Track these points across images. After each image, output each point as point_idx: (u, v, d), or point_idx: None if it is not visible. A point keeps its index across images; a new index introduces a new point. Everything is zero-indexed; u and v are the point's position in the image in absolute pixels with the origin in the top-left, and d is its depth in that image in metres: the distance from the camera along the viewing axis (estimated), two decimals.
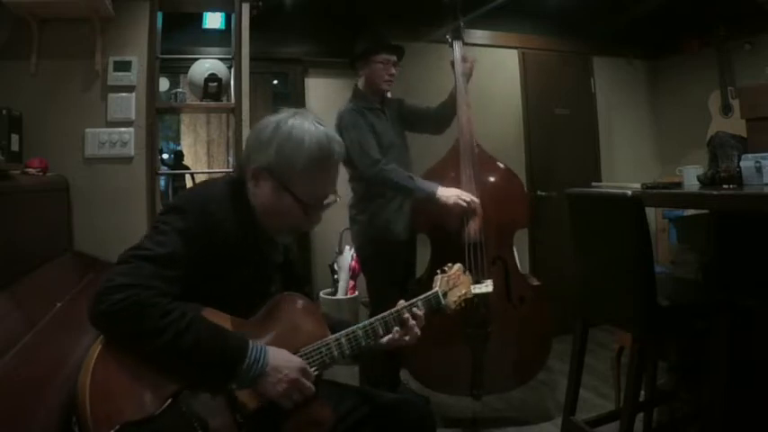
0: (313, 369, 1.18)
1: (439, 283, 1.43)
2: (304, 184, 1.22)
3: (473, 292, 2.18)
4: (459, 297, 1.45)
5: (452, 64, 2.56)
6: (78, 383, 1.03)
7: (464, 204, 2.30)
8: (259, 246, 1.27)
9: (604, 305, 1.92)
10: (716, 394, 1.84)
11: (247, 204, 1.25)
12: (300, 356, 1.18)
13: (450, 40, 2.59)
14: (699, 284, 2.23)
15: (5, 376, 1.18)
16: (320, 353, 1.22)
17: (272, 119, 1.25)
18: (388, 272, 2.48)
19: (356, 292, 3.21)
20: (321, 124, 1.26)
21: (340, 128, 2.45)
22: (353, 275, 3.21)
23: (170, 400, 1.04)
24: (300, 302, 1.28)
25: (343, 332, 1.26)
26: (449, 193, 2.31)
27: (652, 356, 2.13)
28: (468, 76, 2.55)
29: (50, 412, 1.08)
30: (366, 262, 2.59)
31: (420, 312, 1.34)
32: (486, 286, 2.29)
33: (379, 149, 2.39)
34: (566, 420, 2.04)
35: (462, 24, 2.58)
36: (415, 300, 1.36)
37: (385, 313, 1.32)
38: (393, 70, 2.50)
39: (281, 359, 1.13)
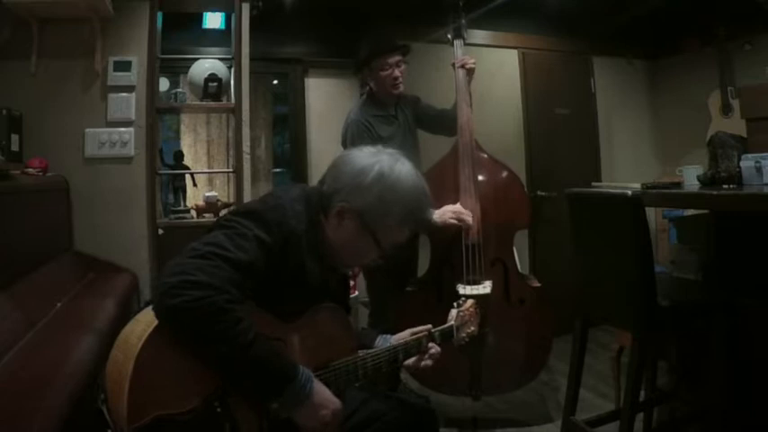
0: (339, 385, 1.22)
1: (454, 318, 1.50)
2: (390, 232, 1.24)
3: (470, 293, 2.22)
4: (467, 334, 1.52)
5: (454, 65, 2.53)
6: (114, 366, 1.01)
7: (456, 223, 2.28)
8: (323, 273, 1.26)
9: (604, 305, 1.92)
10: (716, 394, 1.84)
11: (319, 231, 1.24)
12: (330, 371, 1.21)
13: (451, 38, 2.57)
14: (699, 284, 2.23)
15: (5, 376, 1.18)
16: (347, 370, 1.24)
17: (371, 162, 1.22)
18: (389, 273, 2.47)
19: (356, 292, 3.21)
20: (417, 174, 1.26)
21: (345, 137, 2.44)
22: (353, 276, 3.21)
23: (205, 399, 1.03)
24: (338, 316, 1.29)
25: (369, 353, 1.29)
26: (441, 212, 2.28)
27: (652, 356, 2.13)
28: (470, 76, 2.52)
29: (50, 412, 1.08)
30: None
31: (436, 343, 1.40)
32: (485, 287, 2.30)
33: None
34: (566, 420, 2.04)
35: (464, 23, 2.57)
36: (434, 330, 1.43)
37: (408, 339, 1.37)
38: (398, 72, 2.44)
39: (323, 397, 1.13)
